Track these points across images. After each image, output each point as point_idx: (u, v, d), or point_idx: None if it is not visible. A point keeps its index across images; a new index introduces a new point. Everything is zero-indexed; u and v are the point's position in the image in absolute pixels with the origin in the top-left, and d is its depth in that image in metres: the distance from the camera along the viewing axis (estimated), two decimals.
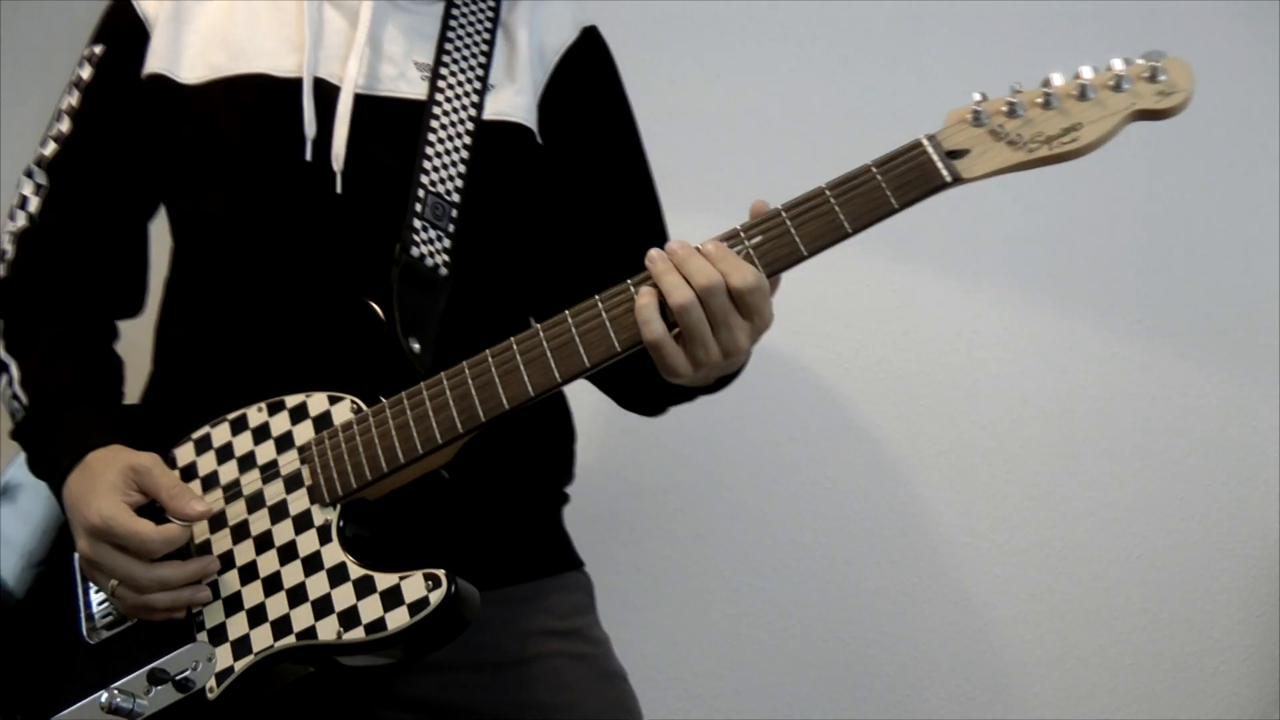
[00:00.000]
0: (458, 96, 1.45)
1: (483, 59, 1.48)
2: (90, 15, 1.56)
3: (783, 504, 2.20)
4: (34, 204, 1.49)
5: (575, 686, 1.44)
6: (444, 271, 1.40)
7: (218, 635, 1.27)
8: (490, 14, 1.52)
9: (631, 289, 1.22)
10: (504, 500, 1.47)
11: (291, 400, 1.33)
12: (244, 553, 1.29)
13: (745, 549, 2.20)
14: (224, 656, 1.26)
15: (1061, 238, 2.22)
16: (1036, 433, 2.19)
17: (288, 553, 1.27)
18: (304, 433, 1.31)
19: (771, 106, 2.25)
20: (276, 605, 1.26)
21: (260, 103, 1.42)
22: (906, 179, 1.19)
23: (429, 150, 1.41)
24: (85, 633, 1.34)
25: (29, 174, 1.50)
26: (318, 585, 1.24)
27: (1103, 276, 2.21)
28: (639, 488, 2.20)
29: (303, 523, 1.28)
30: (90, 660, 1.32)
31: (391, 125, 1.43)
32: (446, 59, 1.46)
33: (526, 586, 1.47)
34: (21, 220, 1.49)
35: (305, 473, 1.29)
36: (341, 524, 1.27)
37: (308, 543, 1.27)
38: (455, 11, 1.50)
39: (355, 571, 1.24)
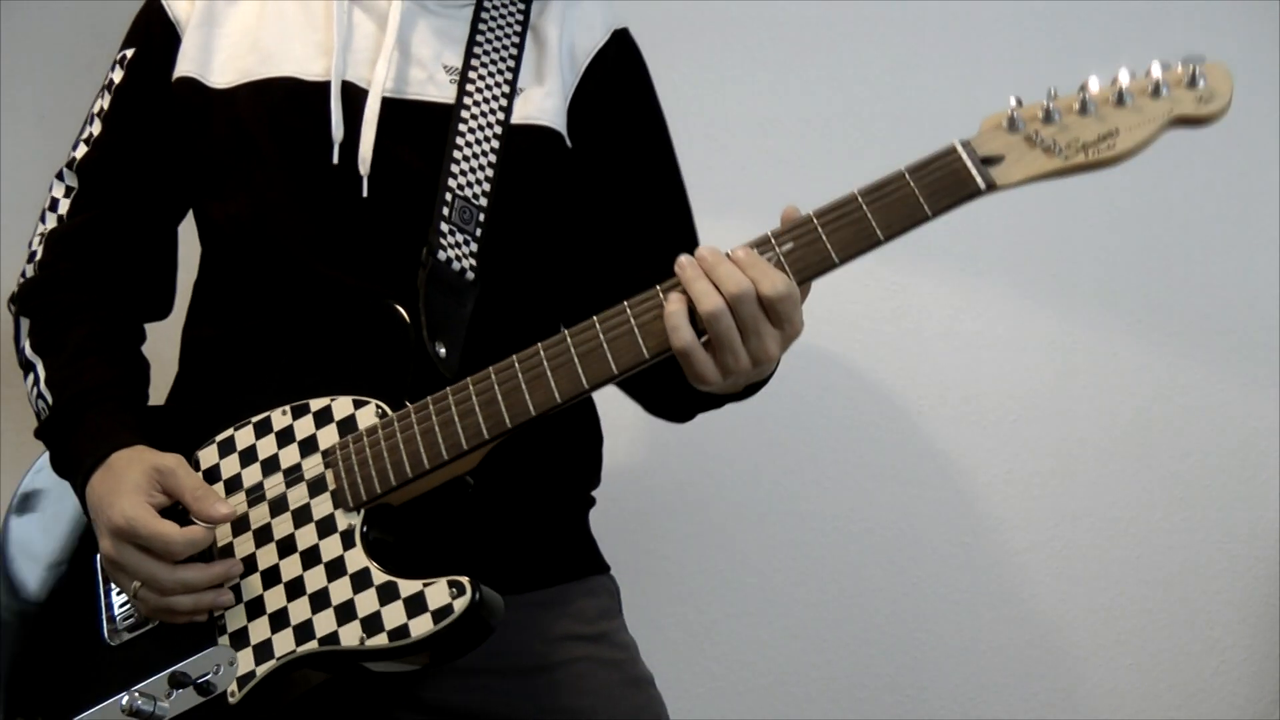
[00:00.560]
0: (486, 100, 1.44)
1: (512, 62, 1.47)
2: (90, 15, 1.54)
3: (783, 504, 2.20)
4: (64, 205, 1.48)
5: (600, 692, 1.43)
6: (471, 276, 1.40)
7: (239, 639, 1.26)
8: (520, 17, 1.51)
9: (660, 295, 1.20)
10: (530, 504, 1.46)
11: (316, 404, 1.33)
12: (266, 556, 1.29)
13: (745, 549, 2.20)
14: (246, 660, 1.25)
15: (1061, 237, 2.22)
16: (1036, 433, 2.19)
17: (311, 557, 1.26)
18: (328, 437, 1.31)
19: (768, 109, 2.25)
20: (299, 610, 1.25)
21: (288, 106, 1.41)
22: (940, 185, 1.18)
23: (457, 154, 1.41)
24: (106, 634, 1.33)
25: (60, 176, 1.50)
26: (340, 590, 1.24)
27: (1103, 276, 2.22)
28: (638, 489, 2.19)
29: (326, 527, 1.27)
30: (111, 662, 1.32)
31: (419, 128, 1.42)
32: (475, 62, 1.45)
33: (552, 591, 1.46)
34: (51, 221, 1.49)
35: (329, 477, 1.29)
36: (365, 529, 1.26)
37: (331, 547, 1.26)
38: (485, 15, 1.49)
39: (379, 577, 1.23)
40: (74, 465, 1.34)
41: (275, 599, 1.26)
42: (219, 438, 1.35)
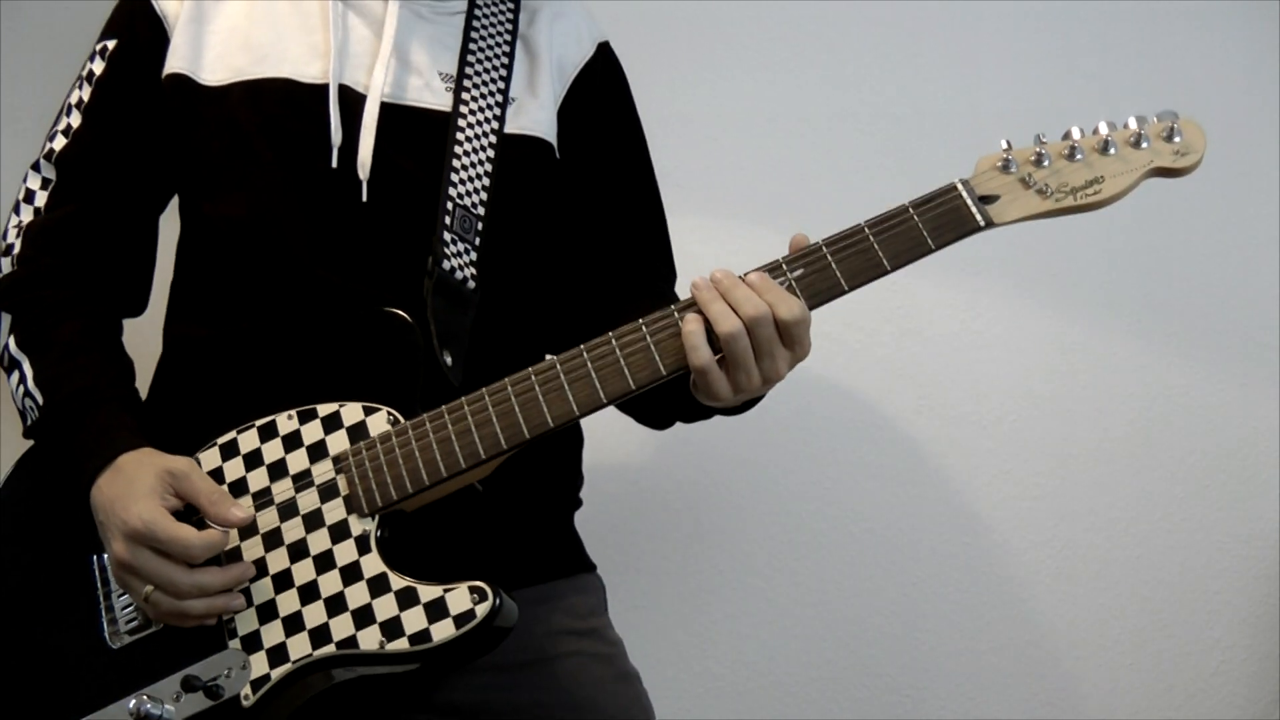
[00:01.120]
0: (481, 109, 1.45)
1: (504, 71, 1.48)
2: (90, 15, 1.54)
3: (783, 504, 2.20)
4: (41, 198, 1.46)
5: (594, 685, 1.45)
6: (472, 285, 1.41)
7: (251, 643, 1.27)
8: (509, 26, 1.52)
9: (676, 315, 1.25)
10: (519, 504, 1.47)
11: (324, 409, 1.33)
12: (277, 561, 1.29)
13: (745, 549, 2.20)
14: (259, 664, 1.25)
15: (1061, 237, 2.22)
16: (1036, 433, 2.20)
17: (324, 562, 1.27)
18: (338, 442, 1.31)
19: (768, 109, 2.25)
20: (314, 614, 1.25)
21: (285, 107, 1.41)
22: (942, 221, 1.26)
23: (455, 163, 1.42)
24: (107, 636, 1.32)
25: (35, 167, 1.48)
26: (357, 595, 1.24)
27: (1103, 276, 2.22)
28: (638, 489, 2.19)
29: (340, 532, 1.28)
30: (112, 665, 1.31)
31: (417, 135, 1.43)
32: (469, 70, 1.46)
33: (544, 588, 1.48)
34: (27, 214, 1.46)
35: (342, 482, 1.29)
36: (380, 534, 1.27)
37: (345, 552, 1.27)
38: (476, 23, 1.50)
39: (397, 582, 1.24)
40: (77, 467, 1.33)
41: (288, 603, 1.27)
42: (220, 441, 1.35)
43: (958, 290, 2.22)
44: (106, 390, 1.37)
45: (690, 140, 2.20)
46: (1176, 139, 1.27)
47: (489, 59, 1.48)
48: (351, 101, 1.41)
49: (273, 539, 1.29)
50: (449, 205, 1.40)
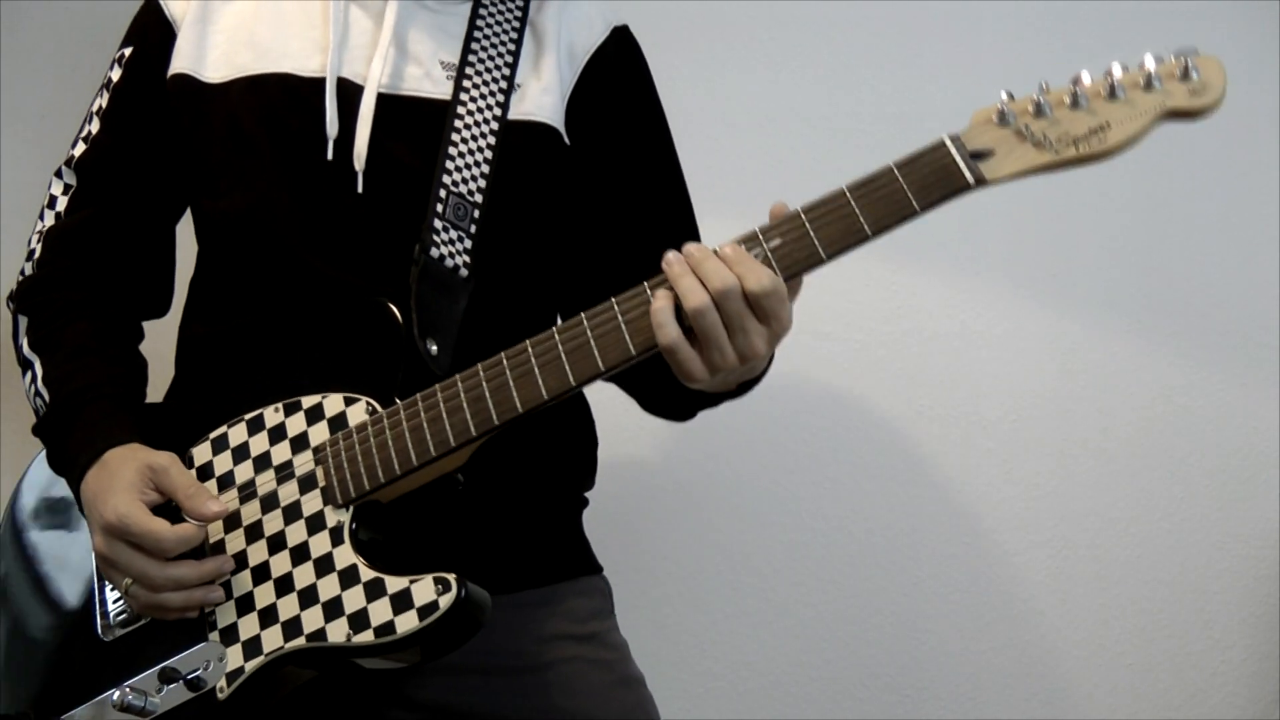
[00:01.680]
0: (483, 96, 1.44)
1: (509, 58, 1.47)
2: (90, 15, 1.54)
3: (783, 504, 2.20)
4: (62, 203, 1.49)
5: (591, 692, 1.43)
6: (464, 273, 1.39)
7: (229, 635, 1.27)
8: (519, 13, 1.50)
9: (648, 292, 1.20)
10: (522, 504, 1.46)
11: (308, 401, 1.33)
12: (257, 553, 1.29)
13: (745, 549, 2.20)
14: (235, 657, 1.25)
15: (1061, 237, 2.22)
16: (1036, 433, 2.19)
17: (300, 554, 1.27)
18: (319, 434, 1.31)
19: (768, 109, 2.25)
20: (288, 606, 1.25)
21: (283, 102, 1.41)
22: (928, 180, 1.15)
23: (452, 150, 1.40)
24: (100, 630, 1.34)
25: (58, 174, 1.51)
26: (329, 587, 1.24)
27: (1103, 276, 2.22)
28: (637, 488, 2.19)
29: (315, 524, 1.27)
30: (104, 657, 1.32)
31: (414, 125, 1.42)
32: (472, 58, 1.45)
33: (543, 591, 1.46)
34: (50, 219, 1.50)
35: (319, 474, 1.29)
36: (354, 526, 1.26)
37: (320, 544, 1.26)
38: (483, 11, 1.49)
39: (366, 574, 1.23)
40: (69, 462, 1.34)
41: (265, 595, 1.27)
42: (213, 435, 1.36)
43: (958, 290, 2.22)
44: (105, 388, 1.38)
45: (690, 140, 2.19)
46: (1193, 76, 1.13)
47: (494, 46, 1.47)
48: (350, 94, 1.41)
49: (254, 531, 1.30)
50: (442, 193, 1.39)
